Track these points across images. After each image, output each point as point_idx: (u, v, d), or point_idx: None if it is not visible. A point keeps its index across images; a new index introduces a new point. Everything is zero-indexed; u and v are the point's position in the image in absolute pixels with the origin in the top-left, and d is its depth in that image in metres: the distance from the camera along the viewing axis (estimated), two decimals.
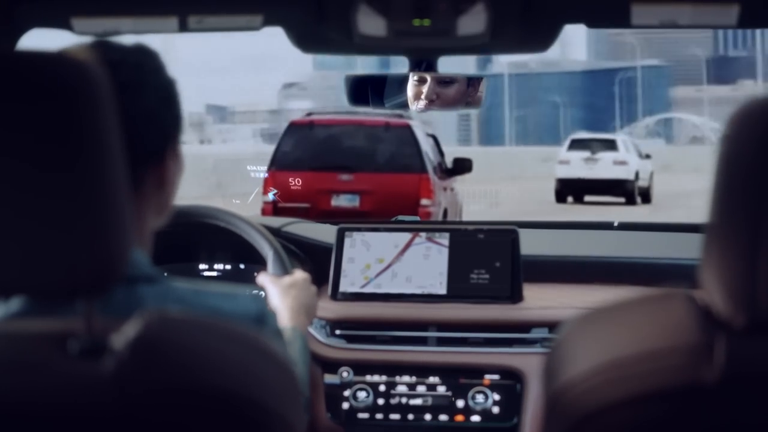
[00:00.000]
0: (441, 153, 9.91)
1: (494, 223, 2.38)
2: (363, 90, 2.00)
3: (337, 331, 2.26)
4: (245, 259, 2.36)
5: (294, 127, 9.25)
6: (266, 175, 8.63)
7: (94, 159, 0.94)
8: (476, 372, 2.19)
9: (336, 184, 8.45)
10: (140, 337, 0.92)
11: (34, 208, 0.93)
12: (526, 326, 2.22)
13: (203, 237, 2.34)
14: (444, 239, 2.30)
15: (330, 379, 2.22)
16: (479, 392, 2.17)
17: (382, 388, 2.20)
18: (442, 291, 2.27)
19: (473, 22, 1.60)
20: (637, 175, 20.08)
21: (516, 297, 2.26)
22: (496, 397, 2.17)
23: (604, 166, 19.96)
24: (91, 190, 0.93)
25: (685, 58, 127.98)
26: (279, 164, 8.71)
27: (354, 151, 8.77)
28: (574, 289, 2.34)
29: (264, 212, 8.00)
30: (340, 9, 1.61)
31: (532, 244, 2.36)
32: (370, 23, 1.61)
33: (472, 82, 1.93)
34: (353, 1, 1.59)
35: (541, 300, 2.27)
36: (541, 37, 1.75)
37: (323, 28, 1.68)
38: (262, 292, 2.34)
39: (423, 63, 1.81)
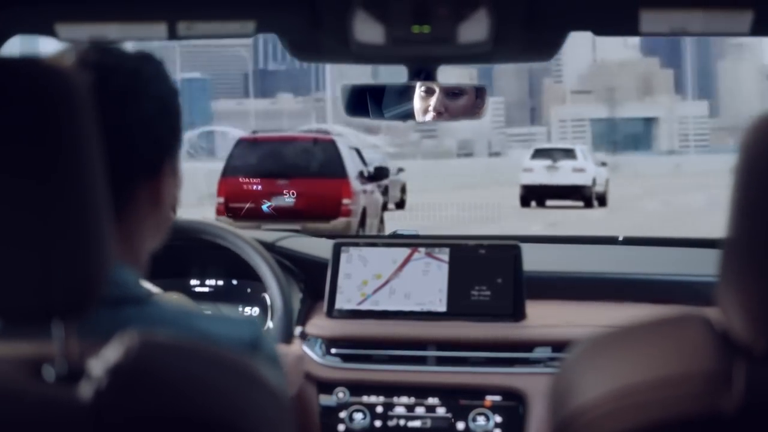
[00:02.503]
0: (364, 162, 12.26)
1: (496, 237, 2.33)
2: (361, 100, 1.95)
3: (333, 350, 2.21)
4: (238, 275, 2.30)
5: (242, 142, 11.67)
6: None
7: (72, 171, 0.89)
8: (477, 393, 2.13)
9: (275, 188, 10.29)
10: (120, 362, 0.87)
11: (5, 222, 0.88)
12: (528, 345, 2.17)
13: (195, 252, 2.29)
14: (444, 255, 2.26)
15: (325, 400, 2.16)
16: (480, 414, 2.11)
17: (379, 409, 2.15)
18: (442, 308, 2.22)
19: (475, 29, 1.55)
20: (594, 181, 22.45)
21: (518, 315, 2.20)
22: (498, 419, 2.11)
23: (564, 174, 22.32)
24: (68, 204, 0.89)
25: (226, 71, 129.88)
26: (230, 172, 10.82)
27: (289, 161, 10.98)
28: (578, 307, 2.28)
29: (218, 212, 10.04)
30: (335, 15, 1.56)
31: (534, 260, 2.30)
32: (368, 30, 1.56)
33: (479, 92, 1.88)
34: (350, 7, 1.54)
35: (545, 318, 2.21)
36: (545, 45, 1.70)
37: (319, 35, 1.63)
38: (256, 309, 2.27)
39: (422, 72, 1.76)
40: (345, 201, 10.70)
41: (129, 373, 0.88)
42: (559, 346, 2.12)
